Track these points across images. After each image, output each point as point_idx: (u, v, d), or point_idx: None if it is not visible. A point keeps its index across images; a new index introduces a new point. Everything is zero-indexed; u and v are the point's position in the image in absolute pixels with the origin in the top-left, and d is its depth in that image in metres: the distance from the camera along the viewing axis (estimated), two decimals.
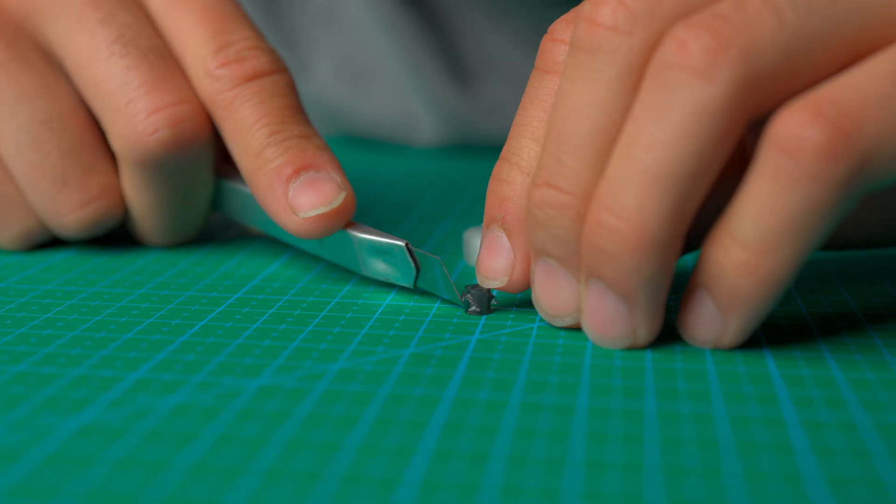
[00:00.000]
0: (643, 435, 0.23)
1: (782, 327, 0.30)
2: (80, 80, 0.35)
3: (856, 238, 0.31)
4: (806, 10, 0.25)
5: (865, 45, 0.25)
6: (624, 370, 0.27)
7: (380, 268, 0.32)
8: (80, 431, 0.23)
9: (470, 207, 0.46)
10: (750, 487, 0.21)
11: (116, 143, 0.35)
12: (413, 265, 0.31)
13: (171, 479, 0.21)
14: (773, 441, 0.23)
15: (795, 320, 0.31)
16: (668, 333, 0.29)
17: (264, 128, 0.34)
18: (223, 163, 0.38)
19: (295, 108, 0.35)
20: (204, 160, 0.36)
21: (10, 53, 0.36)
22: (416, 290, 0.33)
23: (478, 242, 0.36)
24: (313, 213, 0.32)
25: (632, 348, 0.28)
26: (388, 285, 0.34)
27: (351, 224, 0.33)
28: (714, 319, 0.27)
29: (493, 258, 0.30)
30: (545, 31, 0.58)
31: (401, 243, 0.31)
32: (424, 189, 0.50)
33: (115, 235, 0.40)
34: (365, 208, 0.46)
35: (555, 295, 0.28)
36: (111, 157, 0.37)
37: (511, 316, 0.31)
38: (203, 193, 0.37)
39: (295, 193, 0.32)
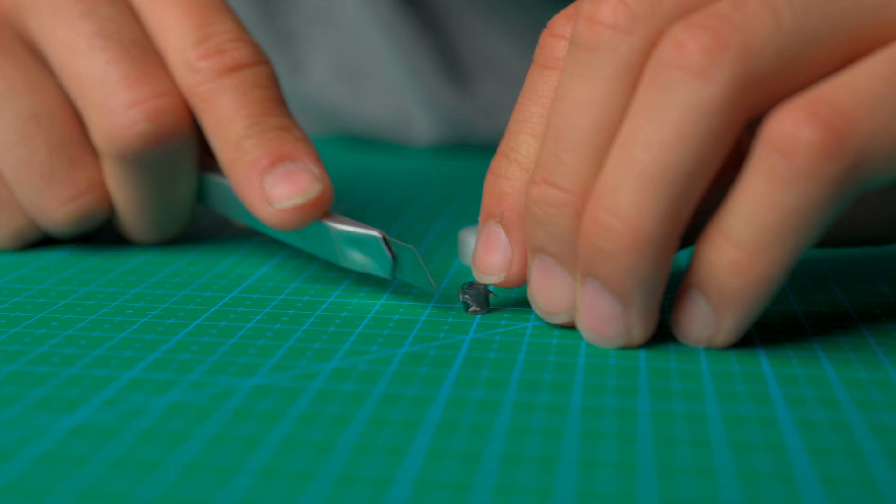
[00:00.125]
0: (636, 434, 0.23)
1: (776, 326, 0.30)
2: (62, 74, 0.35)
3: (850, 235, 0.31)
4: (803, 9, 0.25)
5: (863, 44, 0.25)
6: (618, 369, 0.27)
7: (357, 259, 0.32)
8: (73, 430, 0.23)
9: (465, 207, 0.46)
10: (743, 486, 0.21)
11: (97, 138, 0.35)
12: (389, 255, 0.31)
13: (164, 478, 0.21)
14: (767, 440, 0.23)
15: (789, 319, 0.31)
16: (662, 332, 0.29)
17: (243, 119, 0.33)
18: (206, 157, 0.38)
19: (275, 100, 0.35)
20: (186, 154, 0.36)
21: None
22: (394, 280, 0.33)
23: (473, 242, 0.36)
24: (288, 203, 0.32)
25: (626, 347, 0.28)
26: (382, 285, 0.34)
27: (328, 215, 0.32)
28: (707, 319, 0.27)
29: (490, 254, 0.30)
30: (541, 31, 0.58)
31: (376, 234, 0.31)
32: (420, 189, 0.50)
33: (109, 235, 0.40)
34: (360, 208, 0.46)
35: (551, 292, 0.28)
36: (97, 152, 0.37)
37: (506, 315, 0.31)
38: (186, 188, 0.37)
39: (271, 184, 0.32)
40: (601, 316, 0.27)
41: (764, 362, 0.27)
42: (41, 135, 0.35)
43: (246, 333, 0.30)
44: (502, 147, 0.30)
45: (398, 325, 0.30)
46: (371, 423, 0.24)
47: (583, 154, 0.27)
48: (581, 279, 0.27)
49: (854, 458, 0.22)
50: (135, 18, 0.36)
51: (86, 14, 0.35)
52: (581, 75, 0.27)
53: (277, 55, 0.63)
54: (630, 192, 0.25)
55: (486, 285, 0.31)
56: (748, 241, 0.25)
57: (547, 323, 0.30)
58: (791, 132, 0.24)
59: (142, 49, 0.35)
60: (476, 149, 0.61)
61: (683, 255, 0.37)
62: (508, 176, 0.30)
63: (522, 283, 0.30)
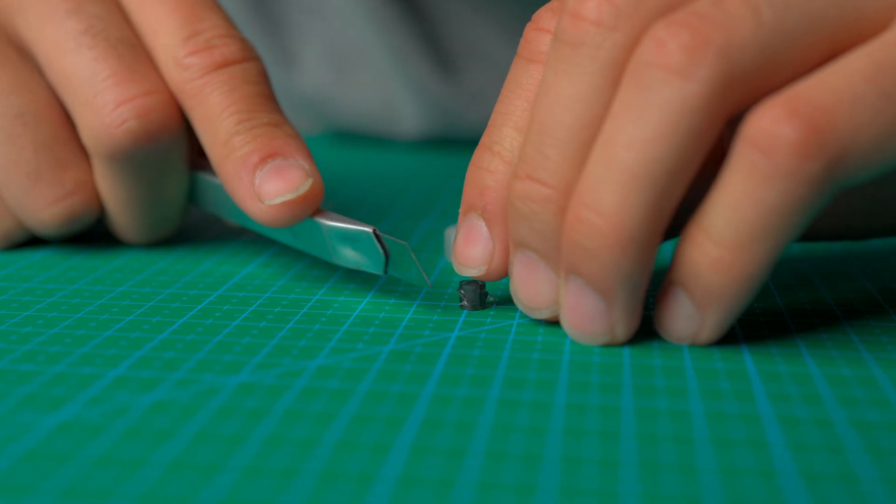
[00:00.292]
0: (620, 431, 0.23)
1: (760, 323, 0.30)
2: (50, 72, 0.35)
3: (829, 230, 0.31)
4: (783, 7, 0.25)
5: (843, 40, 0.25)
6: (602, 366, 0.27)
7: (350, 256, 0.32)
8: (58, 428, 0.23)
9: (451, 205, 0.46)
10: (725, 483, 0.21)
11: (85, 136, 0.35)
12: (382, 251, 0.31)
13: (149, 475, 0.21)
14: (749, 437, 0.23)
15: (773, 317, 0.31)
16: (646, 330, 0.29)
17: (233, 115, 0.33)
18: (198, 156, 0.38)
19: (265, 96, 0.35)
20: (176, 152, 0.36)
21: None
22: (386, 276, 0.33)
23: None
24: (279, 200, 0.32)
25: (610, 345, 0.28)
26: (368, 282, 0.34)
27: (320, 212, 0.32)
28: (690, 316, 0.27)
29: (471, 246, 0.30)
30: (527, 20, 0.58)
31: (368, 229, 0.31)
32: (406, 186, 0.50)
33: (95, 233, 0.40)
34: (347, 207, 0.46)
35: (533, 288, 0.29)
36: (86, 152, 0.37)
37: (491, 313, 0.31)
38: (177, 187, 0.37)
39: (261, 181, 0.32)
40: (584, 313, 0.27)
41: (747, 359, 0.27)
42: (27, 134, 0.35)
43: (231, 331, 0.30)
44: (485, 140, 0.30)
45: (383, 322, 0.30)
46: (355, 421, 0.24)
47: (566, 150, 0.27)
48: (564, 276, 0.27)
49: (836, 454, 0.22)
50: (122, 16, 0.36)
51: (73, 12, 0.35)
52: (565, 71, 0.27)
53: (267, 45, 0.63)
54: (612, 189, 0.25)
55: (483, 284, 0.31)
56: (729, 238, 0.25)
57: (532, 321, 0.30)
58: (771, 130, 0.24)
59: (130, 47, 0.35)
60: (462, 143, 0.62)
61: (666, 252, 0.37)
62: (491, 169, 0.30)
63: (503, 276, 0.30)
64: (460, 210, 0.31)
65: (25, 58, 0.36)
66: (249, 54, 0.35)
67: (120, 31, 0.35)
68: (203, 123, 0.34)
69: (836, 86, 0.24)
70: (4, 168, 0.35)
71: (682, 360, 0.27)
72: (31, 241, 0.39)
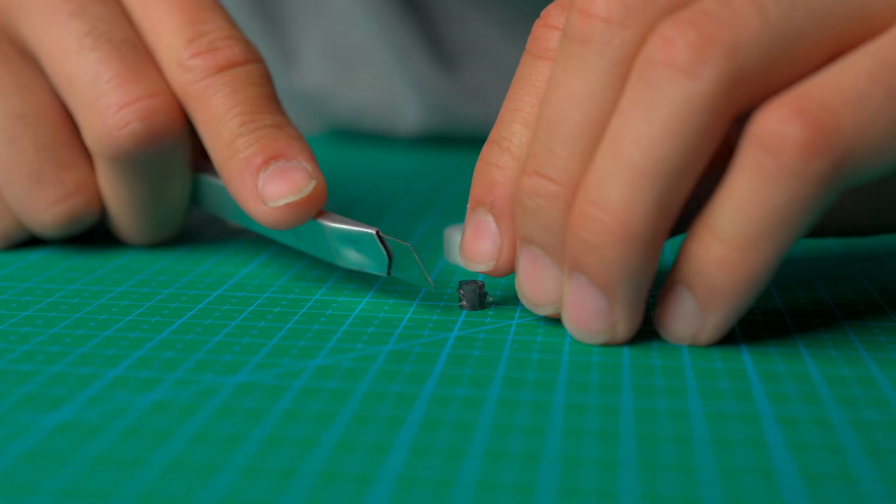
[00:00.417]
0: (619, 431, 0.23)
1: (759, 323, 0.30)
2: (52, 74, 0.35)
3: (833, 226, 0.31)
4: (789, 5, 0.25)
5: (849, 37, 0.26)
6: (601, 366, 0.27)
7: (353, 257, 0.32)
8: (57, 428, 0.23)
9: (450, 205, 0.46)
10: (724, 482, 0.21)
11: (89, 138, 0.35)
12: (385, 253, 0.31)
13: (147, 475, 0.21)
14: (748, 436, 0.23)
15: (772, 316, 0.31)
16: (646, 330, 0.29)
17: (236, 118, 0.33)
18: (201, 158, 0.38)
19: (268, 98, 0.35)
20: (179, 154, 0.36)
21: None
22: (397, 280, 0.33)
23: (459, 240, 0.36)
24: (282, 202, 0.32)
25: (610, 344, 0.28)
26: (367, 283, 0.34)
27: (323, 214, 0.32)
28: (693, 315, 0.27)
29: (479, 242, 0.30)
30: (528, 17, 0.58)
31: (371, 231, 0.31)
32: (405, 186, 0.50)
33: (95, 233, 0.40)
34: (346, 206, 0.46)
35: (538, 283, 0.29)
36: (88, 153, 0.37)
37: (490, 313, 0.31)
38: (180, 189, 0.37)
39: (264, 183, 0.32)
40: (586, 310, 0.27)
41: (747, 359, 0.27)
42: (29, 135, 0.35)
43: (230, 331, 0.30)
44: (494, 135, 0.30)
45: (383, 322, 0.30)
46: (354, 421, 0.24)
47: (575, 147, 0.27)
48: (568, 273, 0.27)
49: (835, 454, 0.22)
50: (126, 18, 0.36)
51: (76, 13, 0.35)
52: (574, 68, 0.27)
53: (268, 43, 0.63)
54: (618, 186, 0.25)
55: (482, 284, 0.31)
56: (736, 237, 0.25)
57: (531, 321, 0.30)
58: (777, 129, 0.24)
59: (133, 48, 0.35)
60: (462, 141, 0.62)
61: (668, 254, 0.37)
62: (500, 165, 0.30)
63: (510, 272, 0.30)
64: (468, 205, 0.31)
65: (27, 59, 0.36)
66: (253, 56, 0.35)
67: (123, 32, 0.35)
68: (206, 125, 0.34)
69: (843, 85, 0.24)
70: (6, 169, 0.35)
71: (682, 360, 0.27)
72: (31, 241, 0.39)
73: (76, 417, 0.24)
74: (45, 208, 0.36)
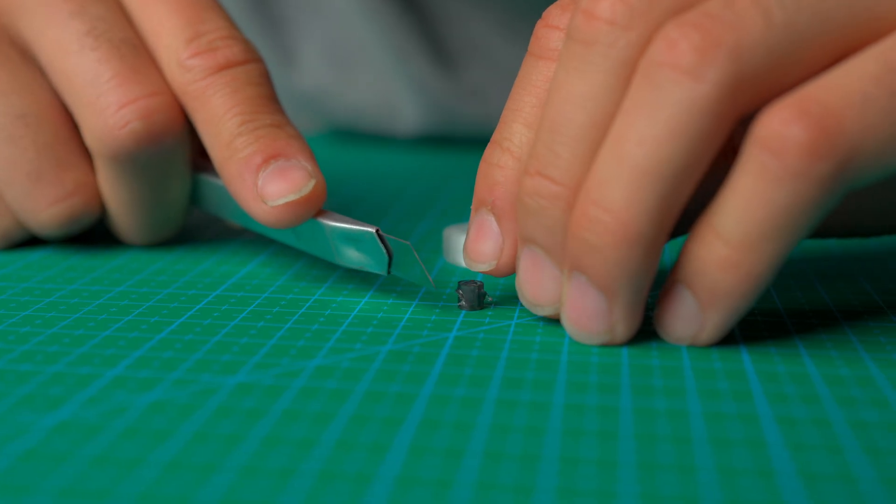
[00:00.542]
0: (618, 431, 0.23)
1: (758, 323, 0.30)
2: (52, 74, 0.35)
3: (837, 227, 0.31)
4: (794, 8, 0.25)
5: (853, 40, 0.25)
6: (600, 366, 0.27)
7: (353, 256, 0.32)
8: (56, 428, 0.23)
9: (450, 205, 0.46)
10: (723, 483, 0.21)
11: (88, 138, 0.35)
12: (385, 252, 0.31)
13: (146, 475, 0.21)
14: (747, 437, 0.23)
15: (772, 317, 0.31)
16: (646, 330, 0.29)
17: (235, 117, 0.33)
18: (200, 158, 0.38)
19: (268, 98, 0.35)
20: (179, 154, 0.36)
21: None
22: (397, 280, 0.33)
23: (458, 240, 0.36)
24: (282, 201, 0.32)
25: (609, 345, 0.28)
26: (366, 282, 0.34)
27: (323, 213, 0.32)
28: (693, 315, 0.27)
29: (481, 242, 0.30)
30: (527, 17, 0.58)
31: (371, 230, 0.31)
32: (405, 186, 0.50)
33: (94, 233, 0.40)
34: (345, 206, 0.46)
35: (538, 283, 0.29)
36: (88, 153, 0.37)
37: (489, 313, 0.31)
38: (180, 188, 0.37)
39: (264, 182, 0.32)
40: (586, 311, 0.27)
41: (746, 359, 0.27)
42: (29, 135, 0.35)
43: (229, 331, 0.30)
44: (496, 136, 0.30)
45: (382, 322, 0.30)
46: (353, 421, 0.24)
47: (577, 148, 0.27)
48: (568, 273, 0.27)
49: (834, 454, 0.22)
50: (125, 17, 0.36)
51: (76, 13, 0.35)
52: (577, 69, 0.27)
53: (267, 43, 0.63)
54: (621, 187, 0.25)
55: (481, 284, 0.31)
56: (738, 238, 0.25)
57: (530, 321, 0.30)
58: (781, 131, 0.24)
59: (133, 48, 0.35)
60: (461, 141, 0.62)
61: (669, 254, 0.37)
62: (501, 165, 0.30)
63: (512, 272, 0.30)
64: (472, 206, 0.31)
65: (27, 59, 0.36)
66: (252, 56, 0.35)
67: (123, 32, 0.35)
68: (206, 125, 0.34)
69: (846, 87, 0.24)
70: (5, 168, 0.35)
71: (681, 360, 0.27)
72: (30, 241, 0.39)
73: (75, 417, 0.24)
74: (45, 208, 0.36)
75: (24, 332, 0.30)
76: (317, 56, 0.63)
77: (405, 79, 0.60)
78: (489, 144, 0.30)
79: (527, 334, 0.29)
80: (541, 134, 0.28)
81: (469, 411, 0.24)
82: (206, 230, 0.41)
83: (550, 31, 0.30)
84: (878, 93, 0.24)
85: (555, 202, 0.27)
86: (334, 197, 0.48)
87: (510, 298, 0.33)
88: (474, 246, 0.30)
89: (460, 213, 0.45)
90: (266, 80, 0.35)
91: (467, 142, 0.62)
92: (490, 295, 0.33)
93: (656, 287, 0.33)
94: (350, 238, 0.31)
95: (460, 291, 0.31)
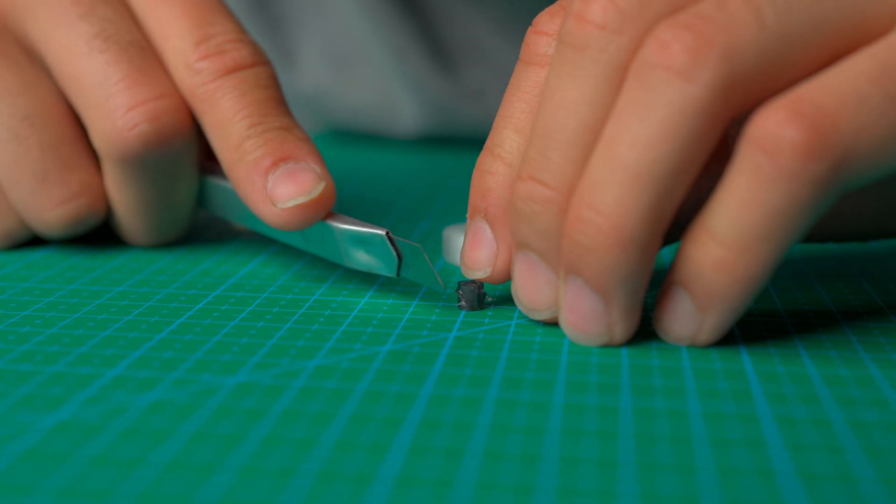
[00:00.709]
0: (618, 431, 0.23)
1: (758, 324, 0.30)
2: (60, 75, 0.35)
3: (834, 231, 0.31)
4: (786, 9, 0.25)
5: (846, 42, 0.26)
6: (600, 366, 0.27)
7: (362, 259, 0.32)
8: (56, 428, 0.23)
9: (449, 205, 0.46)
10: (723, 483, 0.21)
11: (97, 139, 0.35)
12: (395, 254, 0.31)
13: (146, 475, 0.21)
14: (747, 437, 0.23)
15: (771, 317, 0.31)
16: (645, 330, 0.29)
17: (244, 120, 0.33)
18: (207, 160, 0.38)
19: (276, 101, 0.35)
20: (186, 156, 0.36)
21: None
22: (399, 279, 0.34)
23: (458, 241, 0.36)
24: (291, 203, 0.32)
25: (608, 346, 0.28)
26: (367, 282, 0.34)
27: (332, 215, 0.32)
28: (691, 316, 0.27)
29: (477, 249, 0.30)
30: (525, 19, 0.58)
31: (381, 232, 0.31)
32: (404, 186, 0.50)
33: (94, 233, 0.40)
34: (345, 207, 0.46)
35: (534, 288, 0.29)
36: (94, 154, 0.37)
37: (489, 313, 0.31)
38: (187, 191, 0.37)
39: (274, 184, 0.32)
40: (583, 313, 0.27)
41: (746, 359, 0.27)
42: (35, 135, 0.35)
43: (229, 331, 0.30)
44: (488, 143, 0.30)
45: (381, 322, 0.30)
46: (353, 421, 0.24)
47: (569, 153, 0.27)
48: (564, 276, 0.27)
49: (834, 454, 0.22)
50: (133, 20, 0.36)
51: (84, 16, 0.35)
52: (569, 74, 0.27)
53: (267, 43, 0.63)
54: (614, 189, 0.25)
55: (481, 284, 0.31)
56: (733, 239, 0.25)
57: (530, 321, 0.30)
58: (775, 132, 0.24)
59: (141, 50, 0.35)
60: (460, 142, 0.62)
61: (666, 254, 0.37)
62: (493, 171, 0.30)
63: (508, 278, 0.30)
64: (468, 213, 0.31)
65: (34, 60, 0.36)
66: (260, 59, 0.35)
67: (131, 34, 0.35)
68: (214, 128, 0.34)
69: (841, 87, 0.24)
70: (11, 168, 0.35)
71: (681, 360, 0.27)
72: (30, 241, 0.39)
73: (75, 417, 0.24)
74: (50, 208, 0.36)
75: (24, 332, 0.30)
76: (316, 56, 0.63)
77: (405, 79, 0.60)
78: (482, 151, 0.31)
79: (527, 334, 0.29)
80: (533, 139, 0.28)
81: (469, 411, 0.24)
82: (206, 230, 0.41)
83: (540, 37, 0.30)
84: (873, 93, 0.24)
85: (548, 206, 0.27)
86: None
87: (510, 299, 0.33)
88: (470, 253, 0.31)
89: (460, 213, 0.45)
90: (274, 83, 0.35)
91: (467, 142, 0.62)
92: (490, 295, 0.33)
93: (655, 287, 0.33)
94: (360, 240, 0.31)
95: (460, 292, 0.32)
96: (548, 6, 0.30)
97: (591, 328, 0.28)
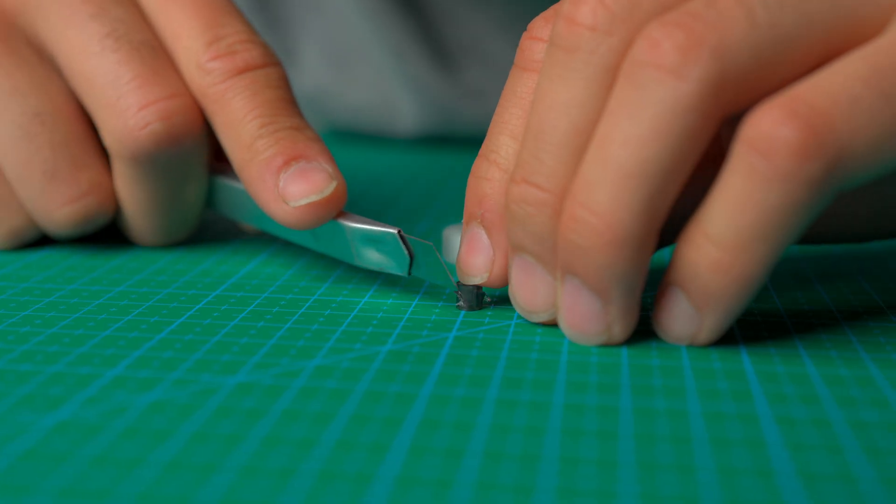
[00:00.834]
0: (618, 431, 0.23)
1: (758, 324, 0.30)
2: (71, 75, 0.35)
3: (830, 232, 0.31)
4: (777, 8, 0.25)
5: (837, 43, 0.26)
6: (600, 366, 0.27)
7: (373, 258, 0.32)
8: (56, 428, 0.23)
9: (449, 205, 0.46)
10: (723, 482, 0.21)
11: (108, 138, 0.35)
12: (406, 253, 0.31)
13: (146, 475, 0.21)
14: (747, 437, 0.23)
15: (771, 317, 0.31)
16: (645, 330, 0.29)
17: (255, 119, 0.33)
18: (216, 160, 0.38)
19: (287, 101, 0.35)
20: (196, 156, 0.36)
21: (2, 49, 0.36)
22: (410, 278, 0.34)
23: (457, 240, 0.36)
24: (304, 202, 0.32)
25: (607, 345, 0.28)
26: (366, 282, 0.34)
27: (343, 214, 0.32)
28: (689, 317, 0.27)
29: (473, 255, 0.30)
30: (525, 19, 0.58)
31: (393, 231, 0.31)
32: (404, 186, 0.50)
33: (95, 233, 0.40)
34: (345, 207, 0.46)
35: (531, 291, 0.29)
36: (103, 153, 0.37)
37: (489, 313, 0.31)
38: (196, 191, 0.37)
39: (286, 183, 0.32)
40: (581, 313, 0.27)
41: (745, 359, 0.27)
42: (45, 133, 0.35)
43: (229, 331, 0.30)
44: (483, 149, 0.30)
45: (381, 322, 0.30)
46: (353, 421, 0.24)
47: (562, 154, 0.27)
48: (561, 277, 0.28)
49: (834, 454, 0.22)
50: (144, 20, 0.36)
51: (96, 15, 0.35)
52: (560, 76, 0.27)
53: (270, 42, 0.63)
54: (607, 188, 0.25)
55: (480, 286, 0.31)
56: (729, 240, 0.25)
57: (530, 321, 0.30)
58: (770, 132, 0.24)
59: (152, 50, 0.35)
60: (460, 141, 0.62)
61: (664, 253, 0.37)
62: (489, 177, 0.30)
63: (505, 283, 0.30)
64: (463, 220, 0.31)
65: (44, 59, 0.36)
66: (271, 59, 0.35)
67: (142, 34, 0.35)
68: (226, 128, 0.34)
69: (834, 88, 0.24)
70: (21, 166, 0.35)
71: (680, 360, 0.27)
72: (36, 241, 0.39)
73: (75, 417, 0.24)
74: (59, 207, 0.36)
75: (24, 332, 0.30)
76: (316, 56, 0.63)
77: (405, 79, 0.60)
78: (477, 157, 0.31)
79: (526, 334, 0.29)
80: (525, 142, 0.28)
81: (469, 411, 0.24)
82: (206, 230, 0.41)
83: (535, 42, 0.30)
84: (867, 94, 0.24)
85: (541, 209, 0.27)
86: None
87: (509, 299, 0.33)
88: (466, 259, 0.31)
89: (460, 213, 0.45)
90: (285, 83, 0.35)
91: (466, 142, 0.62)
92: (489, 295, 0.33)
93: (653, 288, 0.33)
94: (371, 239, 0.31)
95: (458, 292, 0.32)
96: (547, 6, 0.30)
97: (589, 328, 0.28)
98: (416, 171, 0.55)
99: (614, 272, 0.26)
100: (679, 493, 0.21)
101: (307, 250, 0.38)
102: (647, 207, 0.25)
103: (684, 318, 0.27)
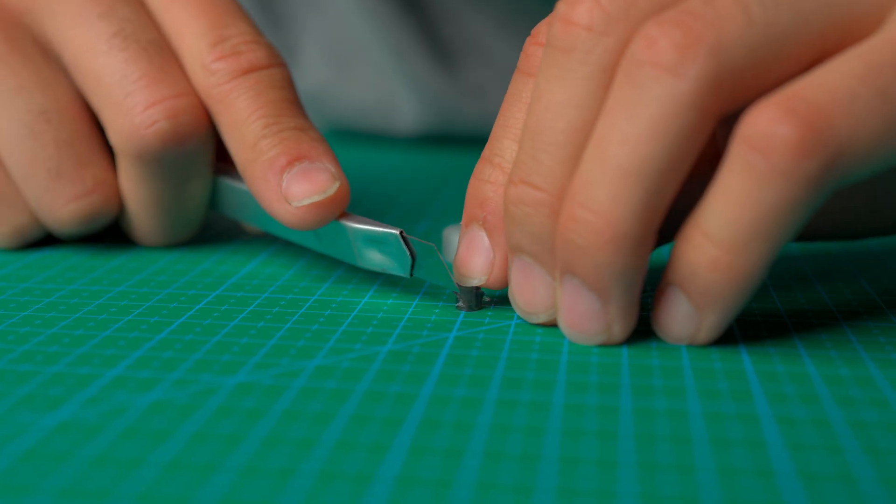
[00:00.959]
0: (618, 431, 0.23)
1: (758, 323, 0.30)
2: (78, 73, 0.35)
3: (825, 229, 0.31)
4: (774, 6, 0.25)
5: (834, 41, 0.26)
6: (600, 366, 0.27)
7: (375, 258, 0.32)
8: (56, 428, 0.23)
9: (449, 205, 0.46)
10: (723, 482, 0.21)
11: (114, 137, 0.35)
12: (408, 254, 0.31)
13: (146, 475, 0.21)
14: (747, 436, 0.23)
15: (771, 317, 0.31)
16: (645, 330, 0.29)
17: (259, 120, 0.34)
18: (221, 161, 0.38)
19: (291, 102, 0.35)
20: (202, 155, 0.36)
21: (9, 47, 0.36)
22: (411, 279, 0.34)
23: (457, 240, 0.36)
24: (307, 202, 0.32)
25: (607, 344, 0.28)
26: (366, 282, 0.34)
27: (345, 215, 0.32)
28: (689, 316, 0.27)
29: (472, 256, 0.30)
30: (526, 18, 0.58)
31: (395, 231, 0.31)
32: (404, 186, 0.50)
33: (96, 233, 0.40)
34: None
35: (530, 292, 0.29)
36: (108, 152, 0.37)
37: (489, 313, 0.31)
38: (201, 191, 0.37)
39: (289, 183, 0.32)
40: (581, 313, 0.27)
41: (745, 359, 0.27)
42: (50, 131, 0.35)
43: (229, 331, 0.30)
44: (486, 152, 0.30)
45: (382, 322, 0.30)
46: (353, 421, 0.24)
47: (559, 154, 0.27)
48: (560, 277, 0.28)
49: (834, 454, 0.22)
50: (151, 20, 0.36)
51: (104, 14, 0.35)
52: (557, 77, 0.27)
53: (270, 41, 0.63)
54: (605, 187, 0.26)
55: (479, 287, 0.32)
56: (727, 239, 0.25)
57: None
58: (768, 129, 0.24)
59: (159, 49, 0.35)
60: (460, 140, 0.62)
61: (663, 253, 0.37)
62: (491, 180, 0.30)
63: (504, 285, 0.30)
64: (462, 222, 0.31)
65: (50, 58, 0.36)
66: (275, 60, 0.35)
67: (149, 33, 0.35)
68: (230, 128, 0.34)
69: (832, 85, 0.24)
70: (26, 164, 0.35)
71: (680, 360, 0.27)
72: (40, 241, 0.39)
73: (75, 417, 0.24)
74: (64, 204, 0.36)
75: (24, 332, 0.30)
76: (317, 55, 0.63)
77: (405, 78, 0.60)
78: (479, 161, 0.31)
79: (527, 334, 0.29)
80: (523, 143, 0.28)
81: (469, 411, 0.24)
82: (206, 230, 0.41)
83: (538, 48, 0.30)
84: (865, 91, 0.24)
85: (539, 209, 0.27)
86: None
87: (509, 300, 0.33)
88: (465, 261, 0.31)
89: (460, 213, 0.45)
90: (289, 84, 0.35)
91: (467, 141, 0.62)
92: (488, 295, 0.33)
93: (652, 287, 0.33)
94: (373, 240, 0.31)
95: (458, 293, 0.32)
96: (547, 4, 0.30)
97: (589, 327, 0.28)
98: (416, 170, 0.55)
99: (614, 271, 0.26)
100: (679, 493, 0.21)
101: (307, 251, 0.38)
102: (647, 205, 0.25)
103: (683, 317, 0.27)
